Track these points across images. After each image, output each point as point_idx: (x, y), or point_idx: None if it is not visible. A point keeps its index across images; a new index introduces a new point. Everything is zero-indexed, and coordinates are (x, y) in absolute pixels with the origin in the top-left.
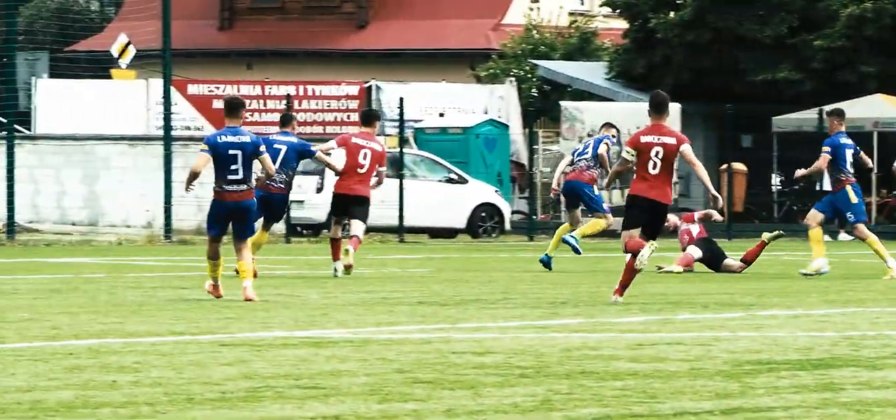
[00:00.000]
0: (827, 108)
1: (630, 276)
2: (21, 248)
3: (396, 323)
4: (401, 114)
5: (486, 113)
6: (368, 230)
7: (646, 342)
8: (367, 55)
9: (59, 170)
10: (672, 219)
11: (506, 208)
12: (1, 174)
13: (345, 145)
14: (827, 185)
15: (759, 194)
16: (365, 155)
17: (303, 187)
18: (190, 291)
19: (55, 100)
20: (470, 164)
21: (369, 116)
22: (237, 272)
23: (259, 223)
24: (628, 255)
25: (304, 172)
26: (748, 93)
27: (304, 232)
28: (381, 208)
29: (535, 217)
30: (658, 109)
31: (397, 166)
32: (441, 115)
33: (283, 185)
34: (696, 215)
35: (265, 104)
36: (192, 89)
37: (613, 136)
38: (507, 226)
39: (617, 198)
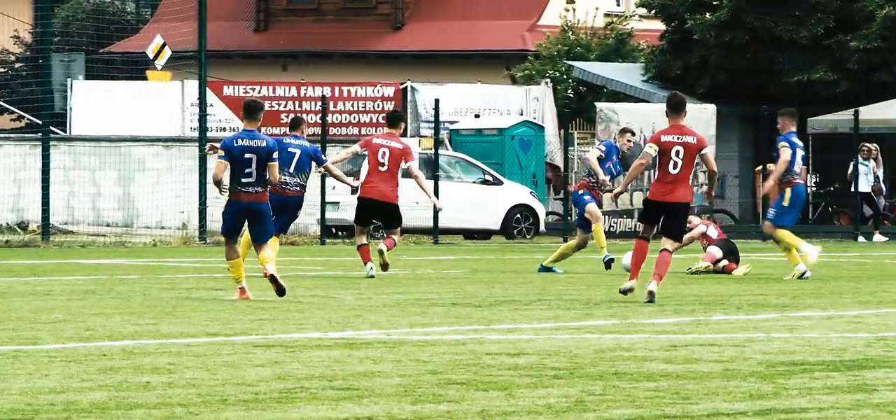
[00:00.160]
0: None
1: (640, 259)
2: (56, 250)
3: (430, 324)
4: (436, 115)
5: (521, 114)
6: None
7: (679, 343)
8: (403, 56)
9: (94, 171)
10: (694, 221)
11: (541, 210)
12: (36, 176)
13: (367, 146)
14: (863, 186)
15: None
16: (383, 153)
17: (337, 189)
18: (224, 293)
19: (91, 101)
20: (505, 166)
21: (393, 117)
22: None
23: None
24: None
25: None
26: (783, 94)
27: (340, 233)
28: (416, 210)
29: (569, 218)
30: (676, 110)
31: (432, 168)
32: (476, 116)
33: (298, 189)
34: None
35: (301, 105)
36: (228, 91)
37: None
38: (542, 227)
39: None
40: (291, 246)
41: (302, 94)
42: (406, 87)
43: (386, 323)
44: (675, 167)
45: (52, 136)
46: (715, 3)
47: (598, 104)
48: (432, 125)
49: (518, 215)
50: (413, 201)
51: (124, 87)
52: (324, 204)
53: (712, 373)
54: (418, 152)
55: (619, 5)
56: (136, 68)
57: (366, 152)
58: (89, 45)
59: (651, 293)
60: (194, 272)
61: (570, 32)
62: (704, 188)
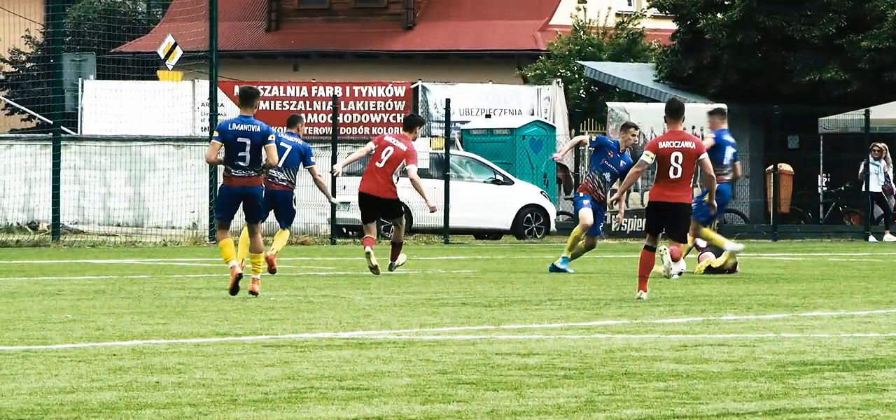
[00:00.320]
0: (709, 107)
1: (645, 271)
2: (66, 250)
3: (440, 324)
4: (447, 115)
5: (532, 114)
6: (414, 231)
7: (689, 343)
8: (414, 56)
9: (104, 171)
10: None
11: (551, 209)
12: (47, 175)
13: (378, 143)
14: (873, 186)
15: (806, 195)
16: (387, 152)
17: (348, 189)
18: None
19: (102, 101)
20: (516, 165)
21: (409, 121)
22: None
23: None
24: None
25: (349, 173)
26: (795, 94)
27: (350, 233)
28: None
29: None
30: (674, 115)
31: (443, 167)
32: (487, 116)
33: (286, 184)
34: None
35: (312, 105)
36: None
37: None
38: (553, 227)
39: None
40: (302, 246)
41: (313, 94)
42: (417, 87)
43: (396, 323)
44: (675, 173)
45: (62, 135)
46: (726, 2)
47: (609, 104)
48: (443, 125)
49: (529, 215)
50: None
51: (135, 87)
52: (334, 204)
53: (722, 373)
54: (429, 152)
55: (630, 5)
56: (147, 68)
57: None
58: (100, 44)
59: (677, 272)
60: (204, 272)
61: (582, 32)
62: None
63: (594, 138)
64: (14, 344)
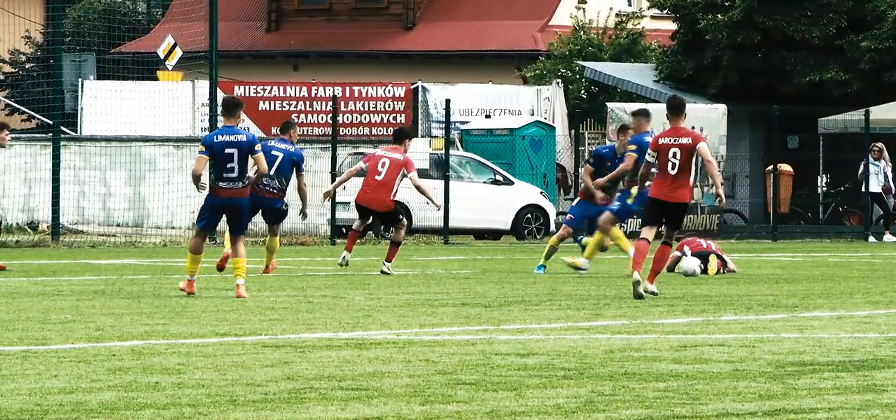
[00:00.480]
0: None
1: (660, 265)
2: (66, 250)
3: (440, 324)
4: (447, 115)
5: (532, 114)
6: (414, 231)
7: (689, 343)
8: (414, 56)
9: (104, 171)
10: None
11: (551, 210)
12: (47, 176)
13: (369, 161)
14: (873, 186)
15: (805, 196)
16: (383, 164)
17: (348, 189)
18: (234, 293)
19: (101, 101)
20: (516, 166)
21: (398, 134)
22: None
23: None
24: (632, 251)
25: None
26: (795, 94)
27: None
28: (427, 210)
29: None
30: (675, 112)
31: (443, 168)
32: (487, 116)
33: (276, 192)
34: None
35: (312, 105)
36: (239, 91)
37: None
38: (552, 227)
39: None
40: (301, 246)
41: (313, 95)
42: (417, 88)
43: (395, 323)
44: (673, 168)
45: (62, 136)
46: (727, 3)
47: (608, 104)
48: (443, 125)
49: (528, 215)
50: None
51: (135, 88)
52: (334, 204)
53: (722, 373)
54: (429, 152)
55: (630, 5)
56: (146, 68)
57: (367, 166)
58: (100, 45)
59: (650, 292)
60: (204, 272)
61: (582, 32)
62: (713, 189)
63: (591, 159)
64: (14, 344)
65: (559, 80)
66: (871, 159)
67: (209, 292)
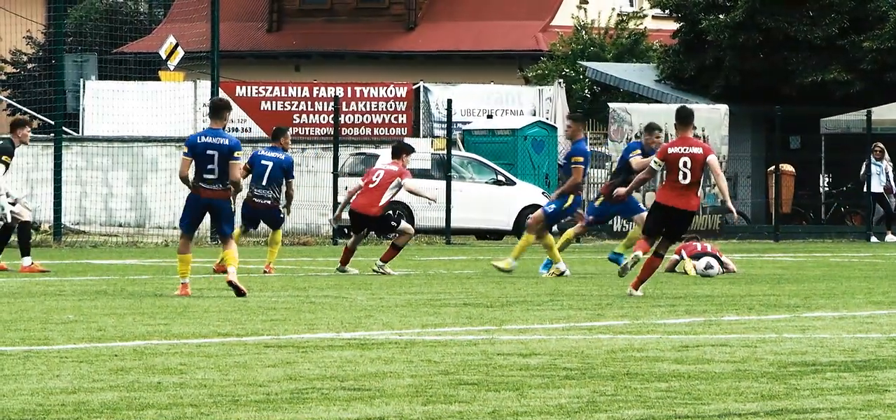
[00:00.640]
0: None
1: (648, 274)
2: (68, 250)
3: (442, 324)
4: (449, 115)
5: (534, 114)
6: (416, 232)
7: (691, 344)
8: (416, 57)
9: (106, 171)
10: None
11: None
12: (48, 176)
13: (367, 175)
14: (875, 187)
15: (807, 196)
16: (378, 174)
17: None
18: (234, 291)
19: (103, 101)
20: (517, 166)
21: (395, 149)
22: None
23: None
24: (641, 254)
25: (351, 174)
26: (797, 94)
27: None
28: (429, 210)
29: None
30: (684, 122)
31: (445, 168)
32: (489, 116)
33: (270, 202)
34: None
35: (313, 106)
36: (240, 91)
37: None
38: (554, 228)
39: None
40: (303, 246)
41: (314, 95)
42: (419, 88)
43: (397, 323)
44: (684, 177)
45: (64, 136)
46: (729, 3)
47: (610, 104)
48: (445, 125)
49: (530, 215)
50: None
51: (137, 88)
52: (336, 205)
53: (724, 373)
54: (431, 153)
55: (632, 5)
56: (148, 69)
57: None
58: (102, 45)
59: (631, 295)
60: (206, 273)
61: (584, 32)
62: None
63: (624, 152)
64: (16, 344)
65: (561, 81)
66: (872, 159)
67: (211, 293)
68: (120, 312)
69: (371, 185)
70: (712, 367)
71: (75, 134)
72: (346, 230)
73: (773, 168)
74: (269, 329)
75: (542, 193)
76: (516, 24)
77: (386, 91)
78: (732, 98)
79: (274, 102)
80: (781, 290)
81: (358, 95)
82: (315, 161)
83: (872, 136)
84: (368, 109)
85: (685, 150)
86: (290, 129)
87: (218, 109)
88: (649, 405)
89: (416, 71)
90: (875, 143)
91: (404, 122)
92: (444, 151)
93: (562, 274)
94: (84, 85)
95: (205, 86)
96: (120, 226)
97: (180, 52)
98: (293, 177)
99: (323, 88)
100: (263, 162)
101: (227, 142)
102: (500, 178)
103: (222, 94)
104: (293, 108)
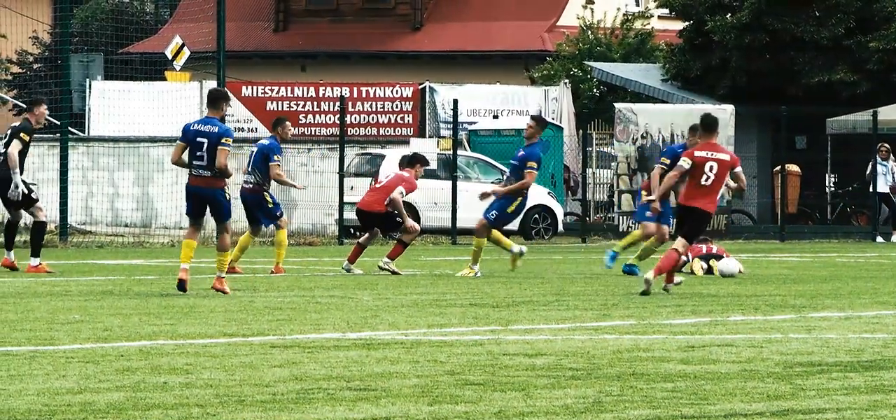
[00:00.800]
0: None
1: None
2: (74, 250)
3: (448, 325)
4: (455, 116)
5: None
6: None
7: (697, 344)
8: (422, 57)
9: (112, 172)
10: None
11: (559, 210)
12: (54, 176)
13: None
14: (881, 187)
15: (813, 196)
16: (387, 176)
17: (355, 189)
18: (242, 293)
19: (109, 101)
20: None
21: (407, 161)
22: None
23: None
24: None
25: (357, 174)
26: (803, 95)
27: (358, 234)
28: (435, 210)
29: (587, 219)
30: (709, 129)
31: (451, 168)
32: (495, 116)
33: (251, 185)
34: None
35: (319, 106)
36: (246, 91)
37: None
38: (560, 228)
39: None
40: (309, 246)
41: (320, 95)
42: (425, 88)
43: (403, 323)
44: (707, 180)
45: (70, 136)
46: (735, 2)
47: (616, 104)
48: (451, 126)
49: (536, 216)
50: (431, 202)
51: (143, 88)
52: (342, 205)
53: (730, 373)
54: (437, 153)
55: (638, 5)
56: (154, 69)
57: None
58: (108, 45)
59: (648, 282)
60: (212, 272)
61: (590, 32)
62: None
63: (666, 158)
64: (22, 345)
65: (567, 81)
66: (878, 159)
67: (217, 293)
68: (126, 313)
69: (376, 185)
70: (718, 368)
71: (81, 134)
72: (352, 230)
73: (778, 168)
74: (275, 329)
75: (549, 194)
76: (522, 25)
77: (392, 91)
78: (738, 98)
79: (280, 102)
80: (787, 290)
81: (364, 95)
82: (321, 161)
83: (878, 137)
84: (374, 110)
85: (712, 154)
86: (288, 120)
87: (214, 99)
88: (655, 405)
89: (422, 71)
90: (881, 144)
91: (410, 122)
92: (450, 151)
93: (520, 254)
94: (90, 85)
95: (211, 86)
96: (126, 226)
97: (186, 53)
98: (274, 160)
99: (329, 88)
100: (254, 149)
101: (216, 129)
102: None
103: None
104: (299, 108)
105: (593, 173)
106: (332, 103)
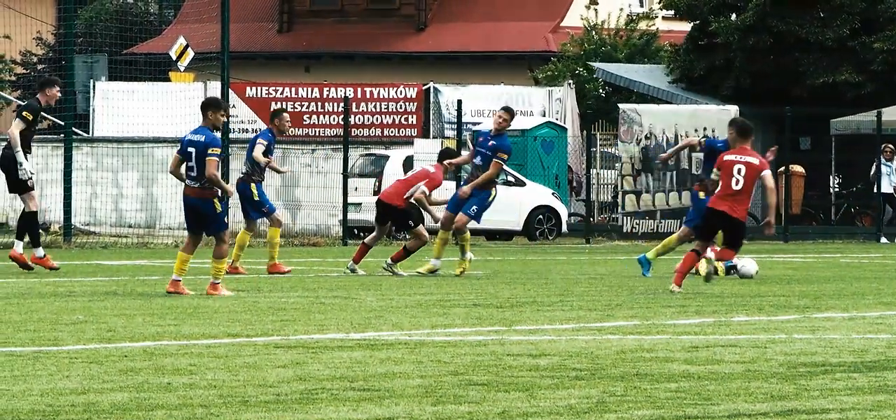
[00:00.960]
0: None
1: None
2: (78, 251)
3: (451, 325)
4: (459, 116)
5: (544, 115)
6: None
7: (701, 344)
8: (426, 58)
9: (116, 172)
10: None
11: (563, 211)
12: (58, 177)
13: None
14: (885, 187)
15: (817, 197)
16: (414, 170)
17: (359, 189)
18: (245, 294)
19: (113, 102)
20: (527, 167)
21: (440, 154)
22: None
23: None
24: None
25: (361, 175)
26: (807, 96)
27: (362, 234)
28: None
29: (591, 220)
30: (743, 134)
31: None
32: None
33: (242, 175)
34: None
35: (323, 107)
36: (250, 92)
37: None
38: (564, 228)
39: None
40: (313, 246)
41: (324, 96)
42: (429, 89)
43: (407, 324)
44: (736, 183)
45: (74, 137)
46: (740, 3)
47: (620, 105)
48: (455, 126)
49: (540, 216)
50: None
51: (147, 89)
52: (346, 205)
53: (734, 374)
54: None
55: (642, 6)
56: (158, 69)
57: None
58: (112, 46)
59: (672, 292)
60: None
61: (594, 33)
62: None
63: (704, 143)
64: (25, 345)
65: (571, 81)
66: (882, 160)
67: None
68: (130, 313)
69: (401, 178)
70: (722, 368)
71: (85, 135)
72: (356, 231)
73: (783, 169)
74: (278, 330)
75: (553, 194)
76: (526, 25)
77: (396, 92)
78: (742, 99)
79: (284, 103)
80: (791, 290)
81: (368, 96)
82: (325, 162)
83: (882, 137)
84: (378, 110)
85: (741, 158)
86: (287, 113)
87: (202, 108)
88: (659, 406)
89: (426, 72)
90: (885, 144)
91: (414, 123)
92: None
93: (434, 272)
94: (94, 86)
95: (215, 87)
96: (130, 226)
97: (190, 53)
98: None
99: (333, 89)
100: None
101: (203, 139)
102: (510, 178)
103: (233, 95)
104: (303, 109)
105: (597, 174)
106: (336, 104)
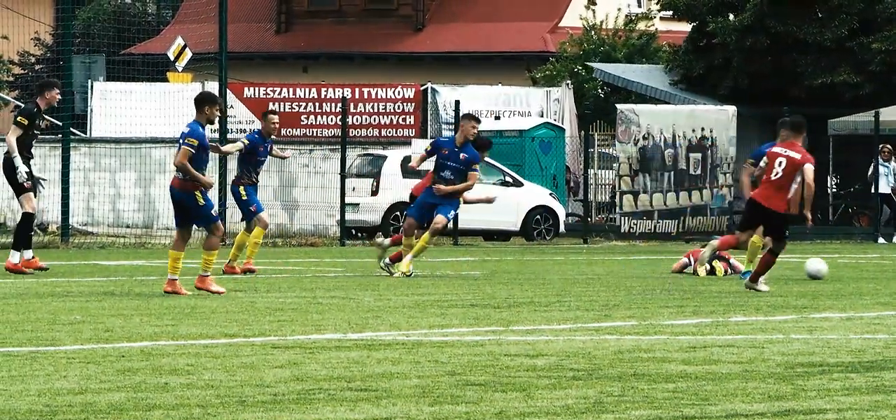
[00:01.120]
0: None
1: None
2: (75, 251)
3: (449, 325)
4: (457, 116)
5: (542, 116)
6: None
7: (698, 344)
8: (424, 58)
9: (114, 173)
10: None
11: (560, 211)
12: (56, 177)
13: None
14: (883, 188)
15: (815, 197)
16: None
17: (357, 190)
18: (243, 294)
19: (111, 103)
20: (525, 167)
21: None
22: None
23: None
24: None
25: (359, 175)
26: (805, 96)
27: (359, 235)
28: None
29: (589, 220)
30: (795, 130)
31: None
32: (497, 117)
33: (234, 178)
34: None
35: (321, 107)
36: (248, 92)
37: None
38: (562, 229)
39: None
40: (311, 247)
41: (322, 96)
42: (426, 89)
43: (405, 324)
44: (776, 175)
45: (72, 137)
46: (737, 4)
47: (618, 105)
48: (453, 127)
49: (538, 217)
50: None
51: (145, 89)
52: (343, 205)
53: (731, 374)
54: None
55: (640, 7)
56: (156, 70)
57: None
58: (110, 46)
59: (757, 289)
60: (213, 273)
61: (593, 33)
62: (720, 191)
63: (752, 159)
64: (23, 345)
65: (569, 82)
66: (880, 160)
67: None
68: (127, 313)
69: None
70: (719, 368)
71: (83, 135)
72: (353, 231)
73: None
74: (276, 330)
75: (550, 195)
76: (524, 26)
77: (394, 92)
78: (740, 99)
79: (282, 103)
80: (789, 290)
81: (366, 96)
82: (323, 162)
83: (880, 138)
84: (376, 111)
85: (785, 151)
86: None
87: (196, 103)
88: (656, 406)
89: (424, 72)
90: (883, 145)
91: (412, 123)
92: None
93: (409, 275)
94: (92, 86)
95: (213, 87)
96: (127, 227)
97: (188, 54)
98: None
99: (331, 89)
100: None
101: (186, 130)
102: (508, 179)
103: (230, 95)
104: (301, 110)
105: (595, 174)
106: (333, 104)
